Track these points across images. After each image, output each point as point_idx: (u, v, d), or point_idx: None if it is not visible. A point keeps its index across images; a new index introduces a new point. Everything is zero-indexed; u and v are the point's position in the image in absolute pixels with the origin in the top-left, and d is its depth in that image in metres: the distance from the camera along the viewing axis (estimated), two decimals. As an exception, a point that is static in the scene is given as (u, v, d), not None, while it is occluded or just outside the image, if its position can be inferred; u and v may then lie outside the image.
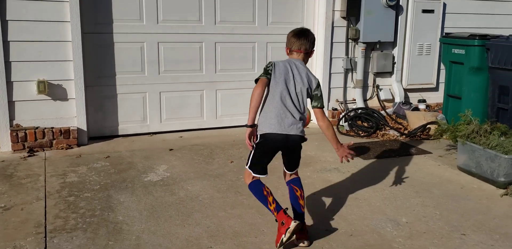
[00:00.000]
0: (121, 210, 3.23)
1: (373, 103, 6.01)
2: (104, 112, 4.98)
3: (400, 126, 5.56)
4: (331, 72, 5.70)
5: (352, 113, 5.61)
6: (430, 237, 2.92)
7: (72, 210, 3.22)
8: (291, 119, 2.78)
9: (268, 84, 2.79)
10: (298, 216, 2.82)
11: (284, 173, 3.03)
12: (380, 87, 6.04)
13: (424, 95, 6.30)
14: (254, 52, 5.49)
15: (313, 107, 2.89)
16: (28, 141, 4.49)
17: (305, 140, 2.89)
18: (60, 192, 3.54)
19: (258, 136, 2.82)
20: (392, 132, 5.38)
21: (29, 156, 4.38)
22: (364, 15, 5.51)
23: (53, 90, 4.58)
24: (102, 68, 4.88)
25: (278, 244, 2.64)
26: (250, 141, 2.83)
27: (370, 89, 6.01)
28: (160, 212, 3.22)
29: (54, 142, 4.60)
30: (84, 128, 4.75)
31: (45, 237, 2.84)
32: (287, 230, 2.59)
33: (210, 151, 4.63)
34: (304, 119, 2.88)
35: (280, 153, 2.96)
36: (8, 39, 4.32)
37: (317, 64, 5.71)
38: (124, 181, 3.80)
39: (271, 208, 2.74)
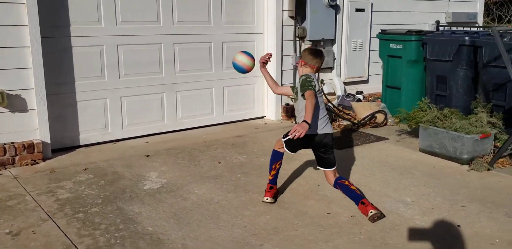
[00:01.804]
0: (144, 221, 3.11)
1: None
2: (64, 122, 4.63)
3: (349, 117, 6.01)
4: (283, 69, 5.94)
5: (306, 108, 5.91)
6: (439, 212, 3.31)
7: (92, 227, 3.01)
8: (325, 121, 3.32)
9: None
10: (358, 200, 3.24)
11: (326, 175, 3.41)
12: (324, 81, 6.43)
13: (358, 87, 6.85)
14: (211, 52, 5.50)
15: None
16: (-13, 159, 4.02)
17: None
18: (62, 210, 3.27)
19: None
20: (345, 122, 5.79)
21: (-7, 175, 3.93)
22: (310, 14, 5.84)
23: (11, 102, 4.14)
24: (60, 75, 4.53)
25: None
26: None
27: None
28: (186, 218, 3.17)
29: (17, 158, 4.17)
30: (48, 140, 4.38)
31: (84, 257, 2.65)
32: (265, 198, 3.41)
33: (189, 154, 4.58)
34: None
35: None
36: (-42, 46, 3.82)
37: (269, 62, 5.86)
38: (123, 191, 3.62)
39: (269, 177, 3.44)
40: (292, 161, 4.38)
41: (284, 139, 3.27)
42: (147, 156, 4.51)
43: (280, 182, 3.84)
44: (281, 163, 3.44)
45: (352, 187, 3.21)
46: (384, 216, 3.16)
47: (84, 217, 3.15)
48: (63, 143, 4.65)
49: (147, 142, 5.00)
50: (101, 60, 4.74)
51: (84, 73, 4.66)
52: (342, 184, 3.24)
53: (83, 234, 2.92)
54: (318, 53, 3.37)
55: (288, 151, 3.34)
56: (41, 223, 3.07)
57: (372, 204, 3.14)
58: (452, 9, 7.89)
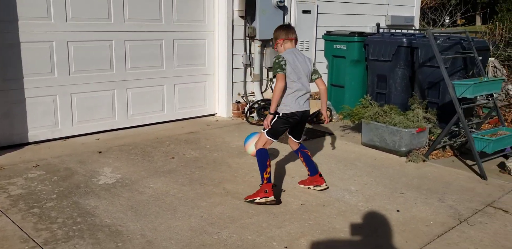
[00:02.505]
0: (102, 214, 3.16)
1: (268, 95, 6.59)
2: (12, 118, 4.54)
3: (297, 114, 6.26)
4: (233, 67, 6.09)
5: (256, 105, 6.11)
6: (381, 198, 3.59)
7: (49, 221, 3.03)
8: (306, 98, 3.38)
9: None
10: (314, 170, 3.65)
11: (292, 143, 3.67)
12: (273, 80, 6.65)
13: (305, 85, 7.13)
14: (162, 49, 5.56)
15: (315, 79, 3.50)
16: None
17: None
18: (15, 206, 3.25)
19: (282, 113, 3.34)
20: (294, 119, 6.03)
21: None
22: (259, 14, 6.03)
23: (-44, 97, 4.02)
24: (7, 71, 4.44)
25: (248, 199, 3.37)
26: (269, 125, 3.40)
27: (265, 82, 6.58)
28: (143, 210, 3.25)
29: (-37, 155, 4.06)
30: (-5, 137, 4.29)
31: (43, 250, 2.67)
32: (264, 197, 3.32)
33: (142, 150, 4.63)
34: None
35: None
36: None
37: (220, 61, 6.04)
38: (78, 187, 3.64)
39: (265, 176, 3.35)
40: (245, 155, 4.54)
41: (265, 131, 3.40)
42: (100, 152, 4.52)
43: (234, 175, 4.01)
44: (270, 159, 3.45)
45: (312, 159, 3.67)
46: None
47: (40, 212, 3.16)
48: (11, 140, 4.56)
49: (98, 139, 4.99)
50: (50, 56, 4.68)
51: (33, 70, 4.59)
52: (305, 153, 3.63)
53: (40, 228, 2.93)
54: (288, 26, 3.55)
55: (275, 140, 3.45)
56: (-5, 218, 3.04)
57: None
58: (391, 13, 8.37)
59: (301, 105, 3.38)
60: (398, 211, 3.38)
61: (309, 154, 3.68)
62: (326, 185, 3.68)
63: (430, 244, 2.90)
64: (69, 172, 3.94)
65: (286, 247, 2.81)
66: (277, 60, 3.31)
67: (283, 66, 3.29)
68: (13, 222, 2.99)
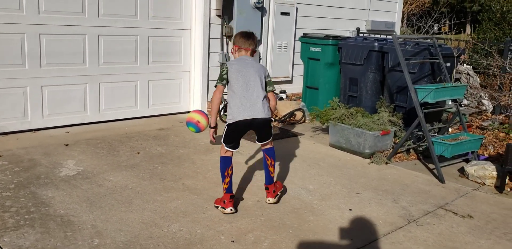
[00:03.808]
0: (57, 204, 3.20)
1: (243, 94, 6.66)
2: (-20, 109, 4.56)
3: (271, 114, 6.32)
4: (210, 66, 6.14)
5: (230, 104, 6.16)
6: (336, 198, 3.67)
7: (2, 210, 3.05)
8: (257, 105, 3.23)
9: (225, 87, 3.28)
10: (268, 179, 3.46)
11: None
12: (249, 80, 6.72)
13: (282, 87, 7.20)
14: (137, 45, 5.59)
15: (268, 91, 3.41)
16: None
17: (272, 119, 3.40)
18: (-29, 194, 3.27)
19: (229, 122, 3.25)
20: (267, 119, 6.10)
21: None
22: (237, 14, 6.09)
23: None
24: (-24, 61, 4.45)
25: (215, 204, 3.32)
26: (214, 138, 3.42)
27: (240, 81, 6.64)
28: (99, 202, 3.29)
29: None
30: (-39, 126, 4.29)
31: (-9, 237, 2.70)
32: (221, 208, 3.25)
33: (109, 144, 4.66)
34: (268, 104, 3.37)
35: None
36: None
37: (196, 59, 6.08)
38: (38, 177, 3.66)
39: (224, 186, 3.26)
40: (211, 152, 4.59)
41: (222, 141, 3.28)
42: (66, 145, 4.54)
43: (196, 171, 4.06)
44: (232, 167, 3.28)
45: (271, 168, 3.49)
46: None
47: (-6, 201, 3.18)
48: (-23, 131, 4.57)
49: (68, 132, 5.02)
50: (21, 48, 4.70)
51: (3, 61, 4.61)
52: (266, 159, 3.46)
53: (-9, 216, 2.96)
54: (250, 35, 3.40)
55: (233, 149, 3.29)
56: None
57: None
58: (372, 18, 8.48)
59: (250, 113, 3.20)
60: (350, 210, 3.45)
61: (268, 162, 3.45)
62: (230, 210, 3.25)
63: (374, 242, 2.97)
64: (32, 163, 3.97)
65: (233, 241, 2.87)
66: (220, 70, 3.29)
67: (224, 76, 3.24)
68: (-34, 210, 3.02)
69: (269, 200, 3.44)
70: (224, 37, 6.22)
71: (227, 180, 3.25)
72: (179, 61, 6.06)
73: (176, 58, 6.02)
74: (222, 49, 6.23)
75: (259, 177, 4.00)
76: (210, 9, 5.95)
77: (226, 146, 3.29)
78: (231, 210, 3.22)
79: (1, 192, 3.34)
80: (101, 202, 3.29)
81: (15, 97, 4.76)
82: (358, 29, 8.08)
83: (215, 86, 3.28)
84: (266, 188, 3.47)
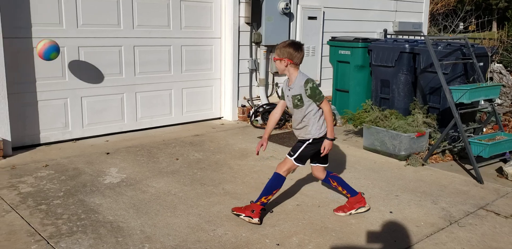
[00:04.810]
0: (105, 211, 3.32)
1: (273, 99, 6.73)
2: (24, 120, 4.75)
3: (302, 118, 6.37)
4: (239, 72, 6.25)
5: (261, 109, 6.25)
6: (375, 200, 3.69)
7: (55, 217, 3.20)
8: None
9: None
10: (353, 190, 3.41)
11: (318, 171, 3.39)
12: (278, 85, 6.80)
13: (311, 90, 7.24)
14: (170, 55, 5.74)
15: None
16: None
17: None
18: (24, 202, 3.43)
19: (314, 139, 3.18)
20: (298, 123, 6.16)
21: (-46, 172, 4.02)
22: (265, 21, 6.18)
23: (-28, 100, 4.24)
24: (21, 75, 4.65)
25: (234, 212, 3.27)
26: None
27: (270, 87, 6.72)
28: (144, 208, 3.40)
29: (-22, 155, 4.27)
30: (9, 138, 4.49)
31: (48, 243, 2.83)
32: (248, 217, 3.17)
33: (148, 152, 4.80)
34: None
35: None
36: None
37: (226, 66, 6.20)
38: (84, 185, 3.81)
39: (263, 200, 3.20)
40: (246, 157, 4.68)
41: (294, 157, 3.18)
42: (107, 153, 4.70)
43: (234, 176, 4.14)
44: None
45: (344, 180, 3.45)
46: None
47: (47, 209, 3.33)
48: (23, 141, 4.77)
49: (107, 141, 5.18)
50: (62, 61, 4.89)
51: (45, 74, 4.80)
52: (336, 177, 3.42)
53: (46, 223, 3.10)
54: (300, 47, 3.10)
55: (301, 165, 3.23)
56: (4, 214, 3.22)
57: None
58: (399, 19, 8.45)
59: (325, 130, 3.20)
60: (391, 212, 3.47)
61: (339, 176, 3.48)
62: (368, 205, 3.44)
63: (418, 244, 2.98)
64: (76, 172, 4.12)
65: (278, 245, 2.93)
66: (314, 85, 3.08)
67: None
68: (22, 217, 3.17)
69: (365, 207, 3.44)
70: (253, 44, 6.31)
71: (270, 197, 3.22)
72: (210, 69, 6.19)
73: (208, 66, 6.15)
74: (251, 56, 6.32)
75: (298, 182, 4.06)
76: (239, 17, 6.06)
77: (297, 162, 3.20)
78: (258, 221, 3.16)
79: (52, 200, 3.49)
80: (147, 208, 3.40)
81: (56, 109, 4.95)
82: (385, 31, 8.05)
83: (322, 101, 3.09)
84: (362, 193, 3.46)
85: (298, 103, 3.12)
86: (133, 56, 5.41)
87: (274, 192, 3.20)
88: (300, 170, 4.25)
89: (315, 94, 3.07)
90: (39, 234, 2.94)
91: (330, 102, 6.65)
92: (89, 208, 3.36)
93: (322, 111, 3.16)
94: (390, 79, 5.72)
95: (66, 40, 4.87)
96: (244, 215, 3.20)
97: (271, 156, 4.76)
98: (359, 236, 3.08)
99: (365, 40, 6.04)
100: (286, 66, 3.11)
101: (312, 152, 3.24)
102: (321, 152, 3.18)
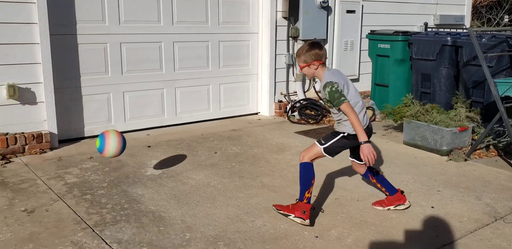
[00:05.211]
0: (147, 201, 3.41)
1: (310, 94, 6.70)
2: (70, 114, 4.93)
3: (340, 113, 6.32)
4: (276, 67, 6.25)
5: (298, 104, 6.23)
6: (416, 195, 3.62)
7: (99, 206, 3.31)
8: (365, 112, 3.12)
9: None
10: (393, 188, 3.30)
11: (358, 167, 3.32)
12: (315, 80, 6.76)
13: (349, 85, 7.16)
14: (208, 50, 5.81)
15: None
16: (0, 147, 4.31)
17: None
18: (71, 192, 3.57)
19: (349, 134, 3.03)
20: (336, 118, 6.11)
21: (5, 163, 4.21)
22: (302, 15, 6.16)
23: (22, 94, 4.44)
24: (66, 70, 4.83)
25: (281, 211, 3.10)
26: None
27: (307, 82, 6.70)
28: (185, 199, 3.47)
29: (27, 147, 4.46)
30: (55, 131, 4.67)
31: (93, 231, 2.94)
32: (300, 219, 3.01)
33: (187, 145, 4.88)
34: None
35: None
36: (-26, 42, 4.12)
37: (263, 61, 6.22)
38: (127, 177, 3.92)
39: (307, 195, 3.02)
40: (282, 152, 4.69)
41: (325, 146, 3.04)
42: (149, 146, 4.81)
43: (272, 169, 4.16)
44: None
45: (385, 178, 3.33)
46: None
47: (92, 198, 3.45)
48: (69, 134, 4.95)
49: (148, 134, 5.30)
50: (105, 57, 5.04)
51: (89, 69, 4.97)
52: (377, 173, 3.30)
53: (91, 212, 3.21)
54: (320, 44, 3.06)
55: (329, 156, 3.10)
56: (52, 203, 3.37)
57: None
58: (440, 12, 8.23)
59: (365, 122, 3.03)
60: (432, 207, 3.40)
61: (381, 173, 3.41)
62: (408, 202, 3.35)
63: (461, 239, 2.92)
64: (119, 164, 4.25)
65: (317, 237, 2.93)
66: (333, 89, 2.88)
67: (342, 92, 2.90)
68: (68, 206, 3.30)
69: (404, 205, 3.34)
70: (290, 39, 6.30)
71: (311, 189, 3.04)
72: (247, 64, 6.22)
73: (245, 61, 6.18)
74: (288, 51, 6.32)
75: (335, 174, 4.04)
76: (276, 11, 6.07)
77: (325, 152, 3.05)
78: (309, 222, 3.04)
79: (96, 190, 3.61)
80: (187, 199, 3.47)
81: (100, 103, 5.10)
82: (426, 24, 7.83)
83: (342, 105, 2.88)
84: (401, 192, 3.34)
85: (328, 104, 3.02)
86: (172, 52, 5.51)
87: (311, 182, 3.04)
88: (338, 164, 4.23)
89: (334, 99, 2.89)
90: (85, 222, 3.06)
91: (369, 98, 6.57)
92: (132, 198, 3.46)
93: (360, 105, 3.03)
94: (431, 73, 5.58)
95: (109, 36, 5.02)
96: (294, 215, 3.04)
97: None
98: (399, 230, 3.04)
99: (405, 33, 5.91)
100: (317, 68, 2.99)
101: (344, 146, 3.09)
102: (363, 160, 2.97)
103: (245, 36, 6.11)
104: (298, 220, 3.03)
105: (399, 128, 5.51)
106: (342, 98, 2.88)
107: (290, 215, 3.07)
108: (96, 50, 4.97)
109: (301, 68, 3.06)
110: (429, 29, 7.82)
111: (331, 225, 3.09)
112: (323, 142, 3.07)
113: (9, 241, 2.81)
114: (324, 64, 3.04)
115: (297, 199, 3.11)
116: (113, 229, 2.98)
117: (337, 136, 3.06)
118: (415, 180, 3.97)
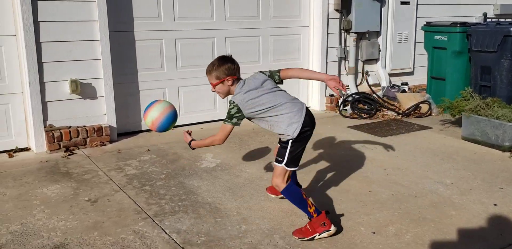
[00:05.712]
0: (203, 193, 3.49)
1: (363, 88, 6.59)
2: (128, 108, 5.10)
3: (394, 107, 6.18)
4: (328, 61, 6.19)
5: (350, 98, 6.15)
6: (477, 192, 3.50)
7: (158, 197, 3.42)
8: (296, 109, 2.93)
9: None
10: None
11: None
12: (368, 73, 6.63)
13: (403, 79, 6.98)
14: (259, 45, 5.83)
15: (279, 75, 3.12)
16: (64, 140, 4.54)
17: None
18: (130, 183, 3.70)
19: (293, 137, 2.84)
20: (390, 112, 5.98)
21: (69, 154, 4.43)
22: (355, 7, 6.05)
23: (83, 89, 4.64)
24: (124, 66, 5.00)
25: (305, 238, 2.78)
26: None
27: (360, 75, 6.59)
28: (239, 191, 3.53)
29: (88, 140, 4.67)
30: (114, 124, 4.86)
31: (153, 221, 3.05)
32: (326, 231, 2.76)
33: (239, 139, 4.94)
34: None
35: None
36: (40, 40, 4.33)
37: (314, 55, 6.17)
38: (183, 169, 4.03)
39: (311, 210, 2.80)
40: (336, 146, 4.65)
41: (284, 162, 2.84)
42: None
43: (324, 164, 4.14)
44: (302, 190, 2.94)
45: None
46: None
47: (151, 189, 3.57)
48: (127, 128, 5.13)
49: (202, 128, 5.41)
50: (160, 53, 5.17)
51: (146, 65, 5.12)
52: (301, 191, 2.92)
53: (150, 203, 3.33)
54: (231, 58, 2.87)
55: (296, 168, 2.93)
56: (114, 193, 3.51)
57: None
58: (500, 1, 7.83)
59: (300, 119, 2.82)
60: (495, 205, 3.27)
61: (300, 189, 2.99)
62: (334, 228, 2.84)
63: (527, 238, 2.79)
64: (176, 156, 4.36)
65: (374, 233, 2.89)
66: (230, 107, 2.84)
67: (235, 115, 2.84)
68: (129, 197, 3.43)
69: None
70: (342, 31, 6.21)
71: (309, 202, 2.82)
72: (298, 58, 6.19)
73: (295, 55, 6.16)
74: (340, 44, 6.23)
75: (390, 170, 3.96)
76: (328, 4, 5.99)
77: (289, 167, 2.85)
78: (334, 227, 2.81)
79: (155, 182, 3.73)
80: (242, 191, 3.52)
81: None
82: (485, 15, 7.52)
83: (227, 123, 2.92)
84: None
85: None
86: (224, 47, 5.57)
87: (303, 197, 2.82)
88: (393, 159, 4.15)
89: (226, 116, 2.87)
90: (145, 212, 3.17)
91: (424, 91, 6.37)
92: (189, 190, 3.55)
93: (289, 106, 2.84)
94: (491, 66, 5.34)
95: (164, 33, 5.14)
96: (318, 234, 2.77)
97: (362, 146, 4.68)
98: (460, 228, 2.95)
99: (463, 24, 5.68)
100: (231, 84, 2.82)
101: (301, 148, 2.87)
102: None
103: (296, 29, 6.08)
104: (326, 234, 2.78)
105: (457, 123, 5.32)
106: (228, 120, 2.84)
107: (315, 236, 2.78)
108: (152, 46, 5.11)
109: (214, 86, 2.85)
110: (488, 20, 7.48)
111: (388, 221, 3.04)
112: (280, 159, 2.85)
113: (76, 228, 2.96)
114: (238, 79, 2.84)
115: (309, 217, 2.85)
116: (172, 219, 3.07)
117: (287, 144, 2.84)
118: (475, 176, 3.83)
